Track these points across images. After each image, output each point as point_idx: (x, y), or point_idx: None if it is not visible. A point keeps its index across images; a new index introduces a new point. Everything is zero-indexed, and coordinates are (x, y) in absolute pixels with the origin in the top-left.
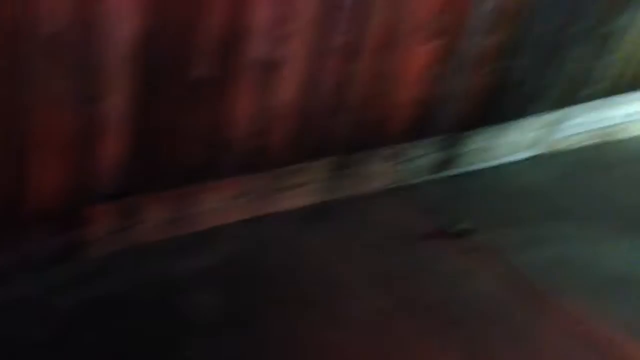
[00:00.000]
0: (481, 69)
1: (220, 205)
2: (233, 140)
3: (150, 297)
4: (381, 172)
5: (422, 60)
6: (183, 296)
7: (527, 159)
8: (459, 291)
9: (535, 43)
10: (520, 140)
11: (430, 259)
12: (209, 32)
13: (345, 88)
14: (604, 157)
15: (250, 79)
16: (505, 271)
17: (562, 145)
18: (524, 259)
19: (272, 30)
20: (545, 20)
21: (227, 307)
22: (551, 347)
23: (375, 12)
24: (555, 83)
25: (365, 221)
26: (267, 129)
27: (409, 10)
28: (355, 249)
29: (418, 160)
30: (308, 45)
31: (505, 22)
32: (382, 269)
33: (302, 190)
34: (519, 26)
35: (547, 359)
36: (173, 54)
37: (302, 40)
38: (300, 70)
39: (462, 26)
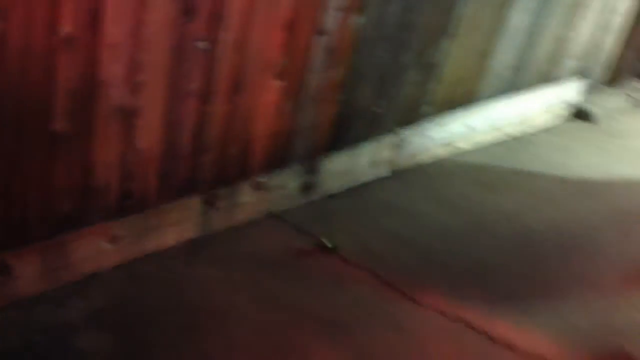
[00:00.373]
0: (327, 100)
1: (95, 250)
2: (101, 186)
3: (40, 347)
4: (250, 202)
5: (272, 97)
6: (73, 341)
7: (380, 178)
8: (339, 298)
9: (371, 74)
10: (371, 161)
11: (308, 274)
12: (64, 86)
13: (205, 128)
14: (448, 167)
15: (111, 126)
16: (375, 277)
17: (409, 162)
18: (390, 263)
19: (126, 80)
20: (375, 53)
21: (118, 348)
22: (428, 334)
23: (224, 57)
24: (394, 107)
25: (242, 249)
26: (133, 172)
27: (255, 53)
28: (236, 276)
29: (282, 188)
30: (163, 91)
31: (341, 58)
32: (266, 289)
33: (177, 228)
34: (353, 60)
35: (426, 343)
36: (31, 109)
37: (156, 87)
38: (159, 115)
39: (304, 64)
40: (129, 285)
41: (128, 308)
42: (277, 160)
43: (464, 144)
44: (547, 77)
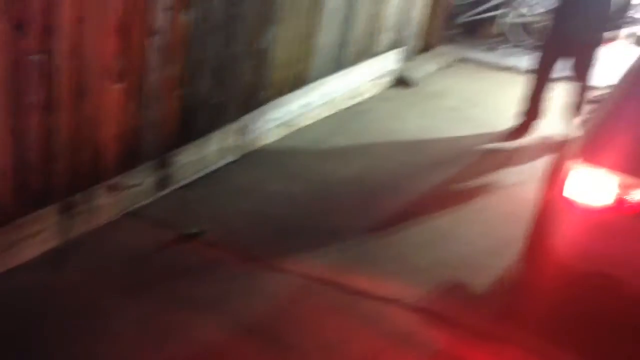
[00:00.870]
0: (168, 96)
1: None
2: None
3: None
4: (107, 204)
5: (114, 99)
6: None
7: (230, 163)
8: (208, 278)
9: (207, 66)
10: (219, 149)
11: (176, 262)
12: None
13: (52, 137)
14: (290, 144)
15: None
16: (239, 254)
17: (254, 145)
18: (251, 239)
19: None
20: (208, 47)
21: None
22: (293, 296)
23: (61, 67)
24: (234, 95)
25: (106, 250)
26: None
27: (91, 59)
28: (104, 276)
29: (138, 186)
30: (5, 107)
31: (176, 55)
32: (137, 283)
33: (37, 239)
34: (188, 56)
35: (292, 305)
36: None
37: None
38: (4, 131)
39: (141, 64)
40: None
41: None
42: (129, 159)
43: (302, 122)
44: (368, 50)
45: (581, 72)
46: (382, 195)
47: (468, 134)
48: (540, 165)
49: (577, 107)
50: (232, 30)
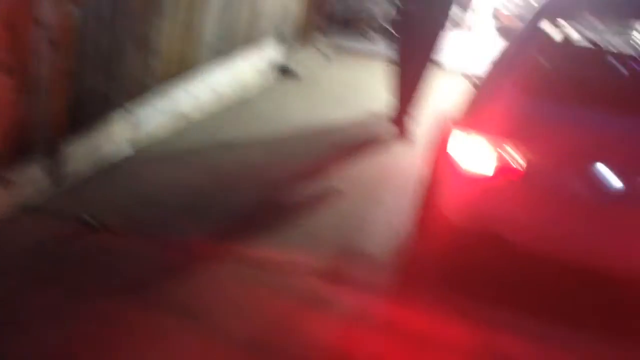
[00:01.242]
0: (58, 89)
1: None
2: None
3: None
4: (0, 199)
5: (3, 93)
6: None
7: (124, 154)
8: (116, 264)
9: (96, 59)
10: (113, 139)
11: (78, 252)
12: None
13: None
14: (181, 134)
15: None
16: (142, 239)
17: (147, 136)
18: (155, 227)
19: None
20: (97, 39)
21: None
22: (207, 279)
23: None
24: (124, 87)
25: (5, 245)
26: None
27: None
28: (6, 268)
29: (32, 180)
30: None
31: (65, 48)
32: (43, 273)
33: None
34: (77, 48)
35: (207, 287)
36: None
37: None
38: None
39: (29, 58)
40: None
41: None
42: (21, 154)
43: (193, 112)
44: (250, 42)
45: (426, 57)
46: (277, 176)
47: (352, 117)
48: (424, 140)
49: (421, 91)
50: (120, 22)
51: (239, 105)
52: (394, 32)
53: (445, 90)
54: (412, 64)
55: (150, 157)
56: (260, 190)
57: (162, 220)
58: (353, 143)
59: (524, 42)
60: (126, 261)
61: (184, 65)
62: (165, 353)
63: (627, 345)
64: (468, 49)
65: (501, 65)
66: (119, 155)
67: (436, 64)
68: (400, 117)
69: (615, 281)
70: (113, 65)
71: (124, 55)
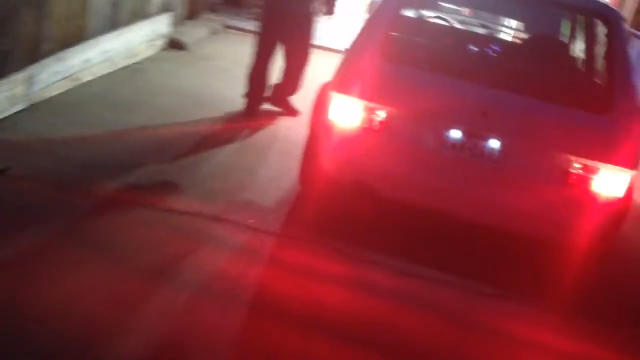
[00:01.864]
0: None
1: None
2: None
3: None
4: None
5: None
6: None
7: (21, 111)
8: (28, 208)
9: None
10: (8, 96)
11: None
12: None
13: None
14: (76, 96)
15: None
16: (50, 184)
17: (44, 95)
18: (58, 176)
19: None
20: None
21: None
22: (105, 214)
23: None
24: (18, 45)
25: None
26: None
27: None
28: None
29: None
30: None
31: None
32: None
33: None
34: None
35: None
36: None
37: None
38: None
39: None
40: None
41: None
42: None
43: (85, 76)
44: (141, 13)
45: (298, 44)
46: (171, 137)
47: (238, 89)
48: (305, 110)
49: (296, 77)
50: None
51: (131, 73)
52: (261, 17)
53: (328, 67)
54: (287, 46)
55: (46, 114)
56: (158, 149)
57: (66, 169)
58: (239, 113)
59: (381, 17)
60: (38, 203)
61: (77, 30)
62: (79, 281)
63: (470, 274)
64: (348, 30)
65: (362, 37)
66: (14, 112)
67: (314, 45)
68: (283, 96)
69: (461, 222)
70: (7, 24)
71: (18, 14)
